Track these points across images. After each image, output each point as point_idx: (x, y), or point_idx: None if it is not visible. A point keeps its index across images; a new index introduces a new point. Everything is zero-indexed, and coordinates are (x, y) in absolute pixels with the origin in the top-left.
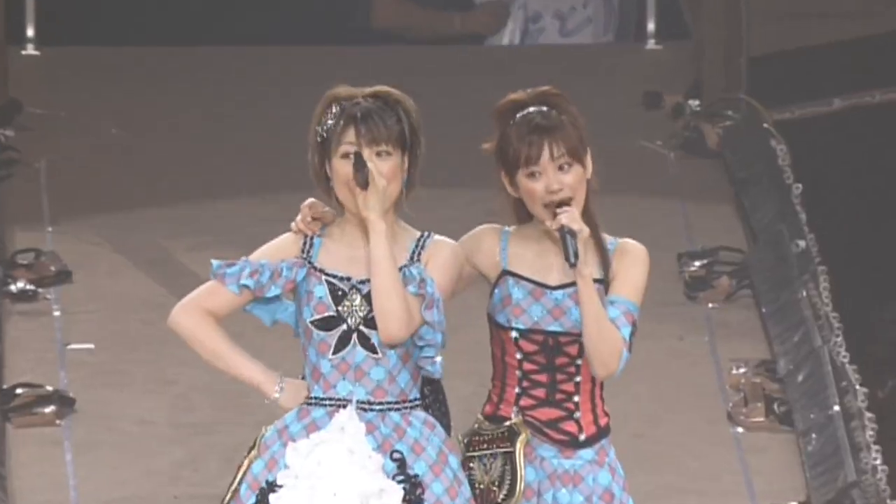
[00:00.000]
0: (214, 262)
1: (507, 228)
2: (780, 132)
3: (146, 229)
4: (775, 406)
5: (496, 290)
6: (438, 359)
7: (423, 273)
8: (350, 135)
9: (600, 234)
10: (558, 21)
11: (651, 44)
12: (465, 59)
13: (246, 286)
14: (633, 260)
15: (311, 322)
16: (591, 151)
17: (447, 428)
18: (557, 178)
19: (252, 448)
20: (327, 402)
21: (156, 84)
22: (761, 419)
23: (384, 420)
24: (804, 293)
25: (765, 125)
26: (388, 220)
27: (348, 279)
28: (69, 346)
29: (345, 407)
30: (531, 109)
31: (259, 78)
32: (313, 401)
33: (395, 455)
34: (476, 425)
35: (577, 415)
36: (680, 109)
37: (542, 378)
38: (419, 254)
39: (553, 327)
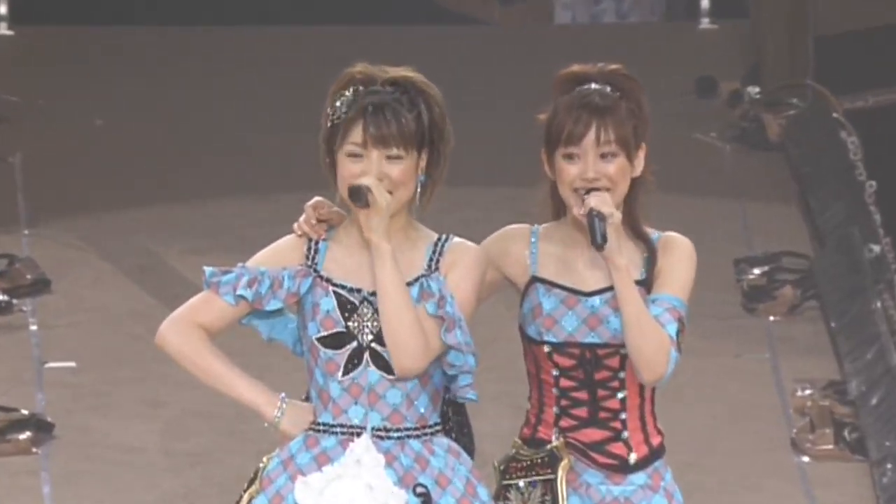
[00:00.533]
0: (207, 270)
1: (535, 227)
2: (852, 122)
3: (133, 232)
4: (846, 433)
5: (525, 300)
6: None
7: (444, 289)
8: (357, 132)
9: (643, 230)
10: (614, 2)
11: (705, 23)
12: (500, 42)
13: (243, 297)
14: (678, 255)
15: (318, 339)
16: (647, 148)
17: (472, 454)
18: (597, 166)
19: (252, 481)
20: (338, 430)
21: (144, 70)
22: (830, 447)
23: (404, 449)
24: (879, 304)
25: (834, 115)
26: (397, 224)
27: (359, 290)
28: (47, 365)
29: (359, 435)
30: (592, 86)
31: (259, 62)
32: (322, 427)
33: (419, 489)
34: (514, 450)
35: (625, 434)
36: (737, 97)
37: (582, 395)
38: (437, 260)
39: (590, 339)
